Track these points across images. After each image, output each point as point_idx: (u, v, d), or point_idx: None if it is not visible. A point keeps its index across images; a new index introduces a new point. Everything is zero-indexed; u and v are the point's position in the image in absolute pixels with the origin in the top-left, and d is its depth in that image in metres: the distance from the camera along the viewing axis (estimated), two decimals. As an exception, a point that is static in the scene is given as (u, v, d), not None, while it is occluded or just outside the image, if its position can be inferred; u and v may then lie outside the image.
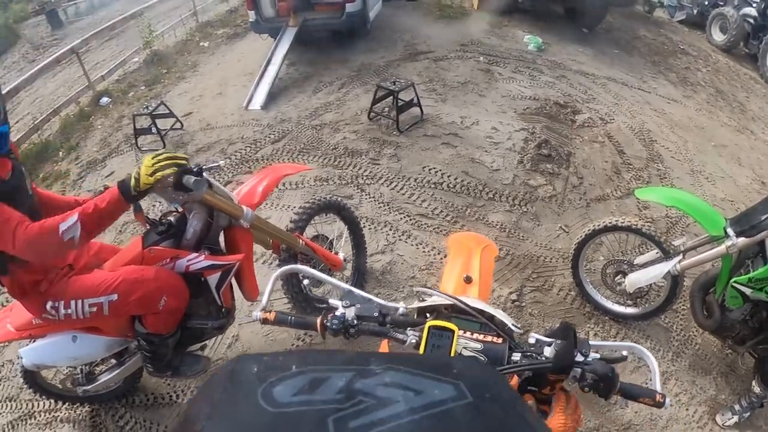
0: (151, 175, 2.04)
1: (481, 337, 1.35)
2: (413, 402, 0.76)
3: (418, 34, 8.57)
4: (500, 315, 1.43)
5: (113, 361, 2.91)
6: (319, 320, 1.42)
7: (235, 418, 0.74)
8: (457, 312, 1.47)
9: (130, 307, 2.43)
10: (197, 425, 0.73)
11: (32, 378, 2.96)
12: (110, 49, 11.94)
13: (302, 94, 7.01)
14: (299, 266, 1.69)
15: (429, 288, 1.56)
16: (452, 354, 1.28)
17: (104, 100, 8.33)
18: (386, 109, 6.00)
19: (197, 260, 2.50)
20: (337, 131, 5.91)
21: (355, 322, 1.40)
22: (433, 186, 4.86)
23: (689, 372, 3.47)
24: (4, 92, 2.12)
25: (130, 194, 2.06)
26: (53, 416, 3.35)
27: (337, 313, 1.42)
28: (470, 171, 5.03)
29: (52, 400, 3.22)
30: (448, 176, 4.97)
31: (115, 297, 2.36)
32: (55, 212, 2.53)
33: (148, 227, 2.56)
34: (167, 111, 6.53)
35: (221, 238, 2.72)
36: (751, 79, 9.48)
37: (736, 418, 3.21)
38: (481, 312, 1.41)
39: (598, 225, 3.45)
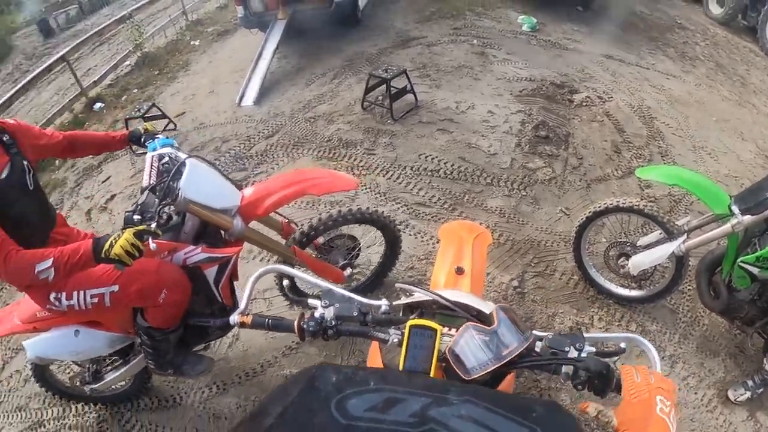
0: (127, 253, 2.01)
1: None
2: None
3: (409, 20, 8.47)
4: (488, 308, 1.39)
5: (119, 359, 2.93)
6: (296, 322, 1.38)
7: (305, 422, 0.77)
8: (442, 308, 1.45)
9: (131, 299, 2.42)
10: (267, 420, 0.78)
11: (42, 374, 3.03)
12: (101, 54, 11.96)
13: (294, 87, 6.96)
14: (278, 266, 1.64)
15: (410, 285, 1.51)
16: (435, 353, 1.23)
17: (98, 105, 8.36)
18: (380, 97, 5.91)
19: (194, 253, 2.49)
20: (331, 123, 5.85)
21: (334, 322, 1.36)
22: (429, 173, 4.79)
23: (697, 354, 3.39)
24: None
25: (99, 255, 2.03)
26: (62, 423, 3.37)
27: (316, 313, 1.38)
28: (467, 156, 4.95)
29: (60, 400, 3.27)
30: (445, 163, 4.89)
31: (116, 288, 2.35)
32: (88, 149, 2.84)
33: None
34: (159, 112, 6.53)
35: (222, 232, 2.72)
36: (751, 51, 9.31)
37: (748, 394, 3.16)
38: (466, 308, 1.39)
39: (599, 207, 3.38)
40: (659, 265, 3.28)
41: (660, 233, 3.23)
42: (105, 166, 6.31)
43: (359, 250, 3.42)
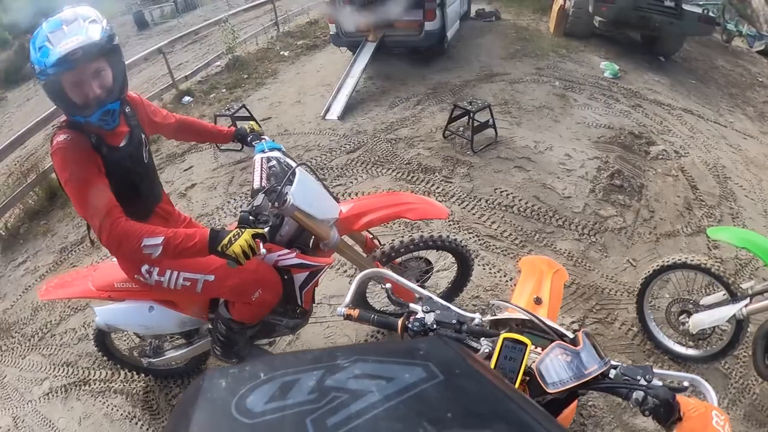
0: (244, 253, 2.06)
1: None
2: (386, 390, 0.77)
3: (494, 56, 8.70)
4: (570, 334, 1.52)
5: (182, 340, 3.03)
6: (400, 321, 1.52)
7: None
8: (528, 328, 1.57)
9: (224, 291, 2.51)
10: None
11: (102, 339, 3.14)
12: (193, 52, 12.59)
13: (378, 107, 7.27)
14: (383, 270, 1.80)
15: (505, 301, 1.66)
16: (522, 367, 1.33)
17: (186, 99, 8.84)
18: (461, 128, 6.16)
19: (288, 257, 2.57)
20: (411, 147, 6.11)
21: (434, 326, 1.48)
22: (503, 208, 4.99)
23: (743, 422, 3.38)
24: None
25: (215, 248, 2.06)
26: (108, 386, 3.61)
27: (418, 315, 1.52)
28: (541, 196, 5.13)
29: (113, 365, 3.43)
30: (519, 200, 5.08)
31: (212, 278, 2.43)
32: (195, 135, 2.90)
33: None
34: (248, 114, 6.86)
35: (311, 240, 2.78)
36: (831, 117, 9.18)
37: None
38: (554, 330, 1.50)
39: (667, 261, 3.43)
40: (719, 327, 3.31)
41: (724, 294, 3.25)
42: (189, 156, 6.71)
43: (431, 273, 3.52)
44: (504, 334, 1.39)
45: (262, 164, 2.62)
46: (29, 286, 5.14)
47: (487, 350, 1.41)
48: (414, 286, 1.76)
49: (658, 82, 8.49)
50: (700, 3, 10.74)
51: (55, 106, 2.17)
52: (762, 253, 3.10)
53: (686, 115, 7.51)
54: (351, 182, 5.61)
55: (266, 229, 2.21)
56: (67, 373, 3.84)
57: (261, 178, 2.55)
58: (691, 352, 3.57)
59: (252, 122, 2.99)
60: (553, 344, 1.39)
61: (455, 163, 5.71)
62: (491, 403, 0.81)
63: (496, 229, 4.75)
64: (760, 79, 10.07)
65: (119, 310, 2.70)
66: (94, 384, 3.68)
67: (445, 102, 7.04)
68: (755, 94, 9.34)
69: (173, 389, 3.47)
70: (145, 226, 2.07)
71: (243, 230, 2.10)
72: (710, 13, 9.54)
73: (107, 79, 2.08)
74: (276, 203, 2.41)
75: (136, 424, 3.39)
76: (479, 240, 4.62)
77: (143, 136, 2.42)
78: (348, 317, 1.55)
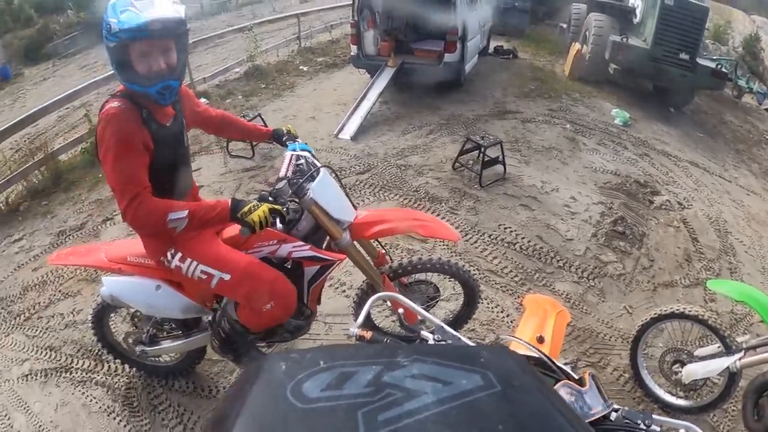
0: (260, 222, 2.20)
1: None
2: (441, 393, 0.77)
3: (508, 93, 8.86)
4: (576, 376, 1.57)
5: (179, 331, 3.00)
6: None
7: (266, 415, 0.76)
8: (537, 365, 1.58)
9: (237, 294, 2.52)
10: (229, 422, 0.76)
11: (100, 317, 3.10)
12: (214, 55, 12.70)
13: (391, 132, 7.37)
14: (396, 295, 1.83)
15: (514, 337, 1.69)
16: None
17: (202, 100, 8.80)
18: (471, 162, 6.27)
19: (302, 248, 2.63)
20: (420, 174, 6.19)
21: None
22: (506, 245, 5.05)
23: None
24: None
25: (236, 215, 2.20)
26: (90, 377, 3.55)
27: (430, 342, 1.54)
28: (544, 236, 5.21)
29: (98, 355, 3.45)
30: (522, 238, 5.14)
31: (227, 277, 2.45)
32: (236, 132, 3.06)
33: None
34: (262, 123, 6.91)
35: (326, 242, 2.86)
36: (835, 177, 9.31)
37: None
38: (561, 369, 1.54)
39: (665, 310, 3.45)
40: (710, 379, 3.33)
41: (718, 347, 3.27)
42: (198, 158, 6.72)
43: (437, 301, 3.49)
44: None
45: (291, 159, 2.75)
46: (22, 264, 5.10)
47: None
48: (428, 314, 1.79)
49: (667, 133, 8.64)
50: (714, 58, 11.01)
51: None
52: (760, 308, 3.14)
53: (692, 167, 7.63)
54: (358, 203, 5.54)
55: (284, 209, 2.35)
56: (49, 358, 3.79)
57: (287, 170, 2.68)
58: (681, 402, 3.57)
59: (289, 126, 3.08)
60: (561, 383, 1.43)
61: (462, 195, 5.80)
62: (545, 422, 0.81)
63: (497, 265, 4.81)
64: (767, 137, 10.22)
65: (127, 283, 2.71)
66: (76, 373, 3.62)
67: (457, 134, 7.16)
68: (761, 151, 9.49)
69: (156, 389, 3.39)
70: (168, 201, 2.20)
71: (261, 203, 2.25)
72: (723, 69, 9.75)
73: (172, 58, 2.17)
74: (296, 194, 2.57)
75: (114, 419, 3.31)
76: (480, 274, 4.65)
77: (184, 121, 2.53)
78: (360, 338, 1.54)
